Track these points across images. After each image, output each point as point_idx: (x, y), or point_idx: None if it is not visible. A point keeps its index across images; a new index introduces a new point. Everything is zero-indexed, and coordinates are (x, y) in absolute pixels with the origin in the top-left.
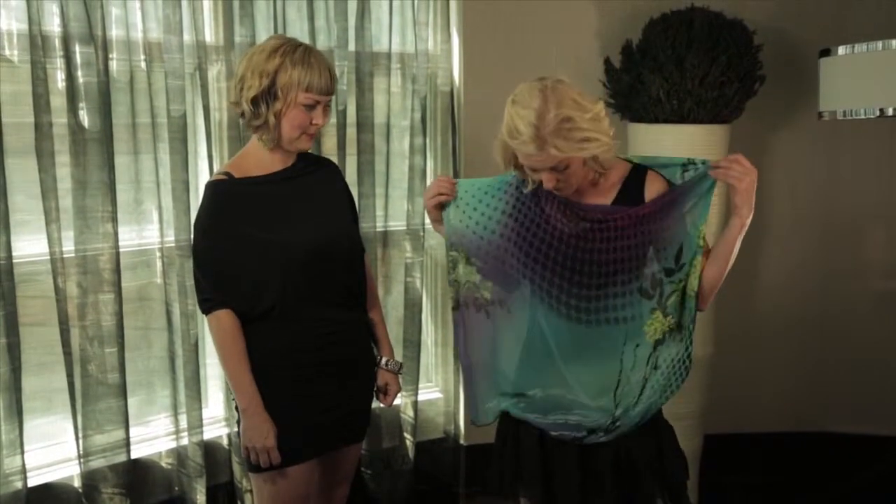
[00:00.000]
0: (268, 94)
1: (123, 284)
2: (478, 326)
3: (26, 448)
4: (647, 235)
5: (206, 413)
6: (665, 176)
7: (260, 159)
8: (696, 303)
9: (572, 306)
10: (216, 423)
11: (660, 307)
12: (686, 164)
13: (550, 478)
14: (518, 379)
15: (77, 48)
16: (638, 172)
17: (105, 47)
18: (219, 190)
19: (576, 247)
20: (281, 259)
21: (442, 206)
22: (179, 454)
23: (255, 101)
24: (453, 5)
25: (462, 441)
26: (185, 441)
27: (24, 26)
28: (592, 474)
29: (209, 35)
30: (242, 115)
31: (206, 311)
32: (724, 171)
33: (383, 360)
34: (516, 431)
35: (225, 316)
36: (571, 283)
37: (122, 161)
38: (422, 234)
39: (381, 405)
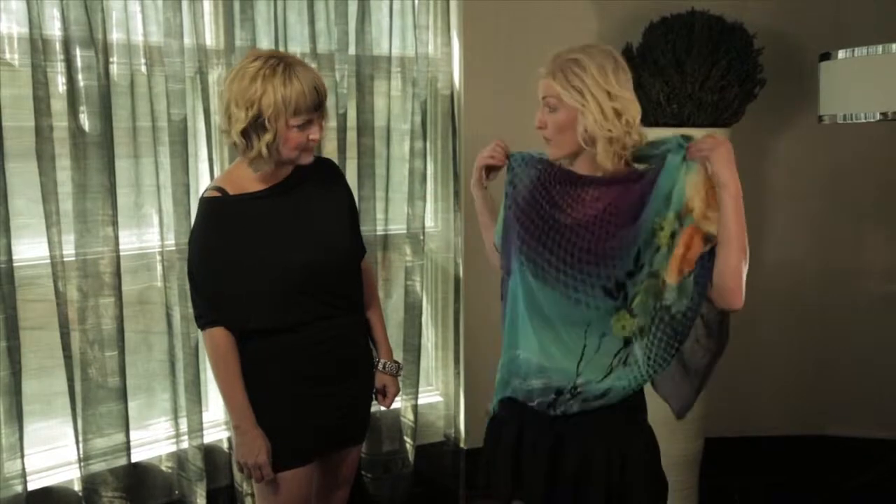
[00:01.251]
0: (256, 126)
1: (124, 288)
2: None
3: (26, 451)
4: (613, 230)
5: (206, 416)
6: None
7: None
8: (657, 306)
9: (547, 270)
10: (216, 426)
11: (625, 307)
12: (681, 144)
13: (522, 477)
14: (508, 341)
15: (78, 52)
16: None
17: (106, 51)
18: (213, 208)
19: (557, 215)
20: (277, 276)
21: (489, 170)
22: (180, 458)
23: (245, 134)
24: (453, 9)
25: (462, 444)
26: (185, 444)
27: (25, 30)
28: (559, 481)
29: (210, 39)
30: (235, 145)
31: (200, 328)
32: (695, 149)
33: (380, 363)
34: (498, 436)
35: (219, 333)
36: (545, 247)
37: (122, 165)
38: (422, 237)
39: (381, 408)
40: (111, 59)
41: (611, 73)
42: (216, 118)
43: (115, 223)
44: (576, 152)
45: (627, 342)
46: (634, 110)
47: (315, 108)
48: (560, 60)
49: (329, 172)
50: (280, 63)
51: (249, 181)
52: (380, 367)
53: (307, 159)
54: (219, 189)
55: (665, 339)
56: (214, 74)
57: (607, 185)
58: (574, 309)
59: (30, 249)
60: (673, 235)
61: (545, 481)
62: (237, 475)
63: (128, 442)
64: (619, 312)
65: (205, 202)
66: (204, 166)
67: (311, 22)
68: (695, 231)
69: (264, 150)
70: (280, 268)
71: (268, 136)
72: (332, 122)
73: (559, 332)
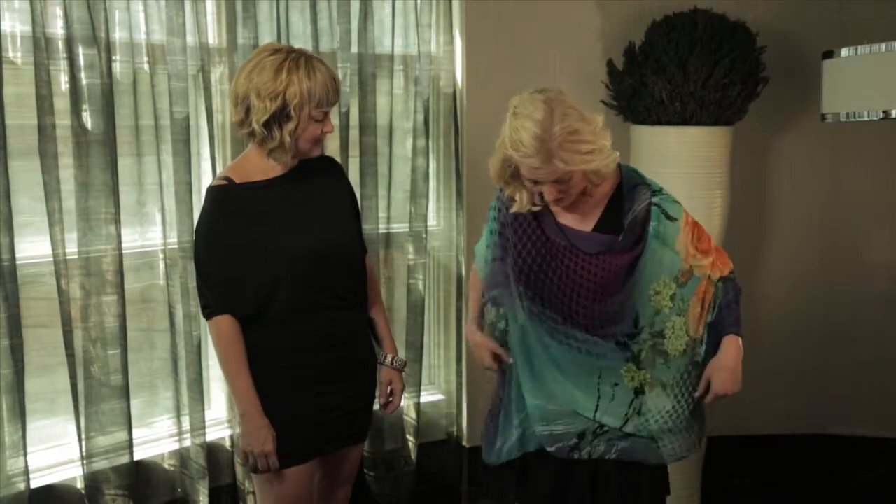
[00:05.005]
0: (280, 116)
1: (126, 286)
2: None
3: (29, 450)
4: (606, 296)
5: (208, 415)
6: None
7: (261, 163)
8: (686, 363)
9: (555, 327)
10: (219, 424)
11: (633, 360)
12: (660, 191)
13: (529, 484)
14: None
15: (80, 50)
16: (623, 188)
17: (108, 49)
18: (220, 195)
19: (553, 268)
20: (283, 264)
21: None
22: (182, 456)
23: (266, 124)
24: (456, 7)
25: (464, 443)
26: (187, 443)
27: (28, 28)
28: (566, 483)
29: (212, 37)
30: (251, 134)
31: (206, 317)
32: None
33: (387, 358)
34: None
35: (224, 322)
36: (552, 309)
37: (125, 163)
38: (424, 235)
39: (383, 411)
40: (114, 58)
41: (581, 110)
42: (219, 116)
43: (117, 221)
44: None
45: (638, 392)
46: (600, 117)
47: (334, 102)
48: (554, 142)
49: (333, 169)
50: (301, 57)
51: (256, 171)
52: (387, 362)
53: (318, 152)
54: (225, 178)
55: (692, 388)
56: (217, 73)
57: (598, 253)
58: (587, 358)
59: (32, 247)
60: (673, 297)
61: (555, 488)
62: (240, 473)
63: (130, 440)
64: (628, 364)
65: (212, 190)
66: (206, 164)
67: (314, 20)
68: (706, 283)
69: (287, 139)
70: (285, 254)
71: (291, 125)
72: (334, 121)
73: (574, 381)
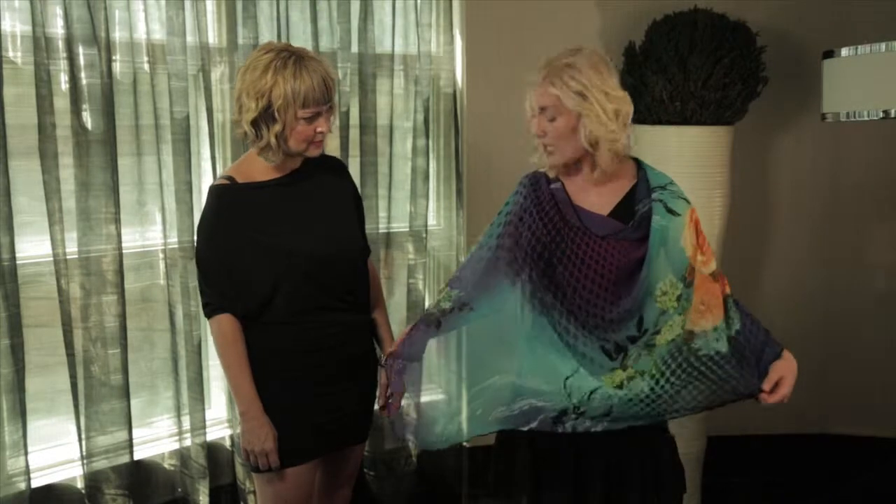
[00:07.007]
0: (266, 116)
1: (126, 286)
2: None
3: (30, 449)
4: (614, 299)
5: (209, 414)
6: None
7: (263, 163)
8: (669, 350)
9: (551, 314)
10: (219, 424)
11: (620, 367)
12: (665, 187)
13: (542, 487)
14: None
15: (80, 50)
16: (643, 183)
17: (108, 49)
18: (221, 194)
19: (563, 249)
20: (283, 264)
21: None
22: (182, 455)
23: (254, 124)
24: (456, 7)
25: (465, 443)
26: (188, 442)
27: (28, 28)
28: (583, 486)
29: (212, 37)
30: (245, 135)
31: (208, 315)
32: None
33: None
34: (511, 436)
35: (226, 320)
36: (544, 284)
37: (125, 163)
38: (424, 235)
39: (382, 413)
40: (114, 58)
41: (605, 73)
42: (219, 116)
43: (117, 221)
44: (576, 158)
45: (618, 389)
46: (629, 108)
47: (323, 101)
48: (555, 67)
49: (337, 170)
50: (291, 56)
51: (258, 172)
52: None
53: (315, 152)
54: (227, 178)
55: (687, 378)
56: (217, 72)
57: (606, 236)
58: (572, 357)
59: (33, 247)
60: (679, 298)
61: (572, 484)
62: (240, 472)
63: (130, 439)
64: (614, 371)
65: (213, 189)
66: (207, 164)
67: (314, 20)
68: (703, 279)
69: (273, 141)
70: (286, 254)
71: (277, 127)
72: (335, 121)
73: (554, 364)
